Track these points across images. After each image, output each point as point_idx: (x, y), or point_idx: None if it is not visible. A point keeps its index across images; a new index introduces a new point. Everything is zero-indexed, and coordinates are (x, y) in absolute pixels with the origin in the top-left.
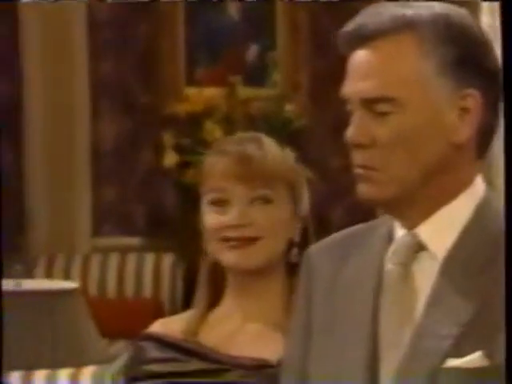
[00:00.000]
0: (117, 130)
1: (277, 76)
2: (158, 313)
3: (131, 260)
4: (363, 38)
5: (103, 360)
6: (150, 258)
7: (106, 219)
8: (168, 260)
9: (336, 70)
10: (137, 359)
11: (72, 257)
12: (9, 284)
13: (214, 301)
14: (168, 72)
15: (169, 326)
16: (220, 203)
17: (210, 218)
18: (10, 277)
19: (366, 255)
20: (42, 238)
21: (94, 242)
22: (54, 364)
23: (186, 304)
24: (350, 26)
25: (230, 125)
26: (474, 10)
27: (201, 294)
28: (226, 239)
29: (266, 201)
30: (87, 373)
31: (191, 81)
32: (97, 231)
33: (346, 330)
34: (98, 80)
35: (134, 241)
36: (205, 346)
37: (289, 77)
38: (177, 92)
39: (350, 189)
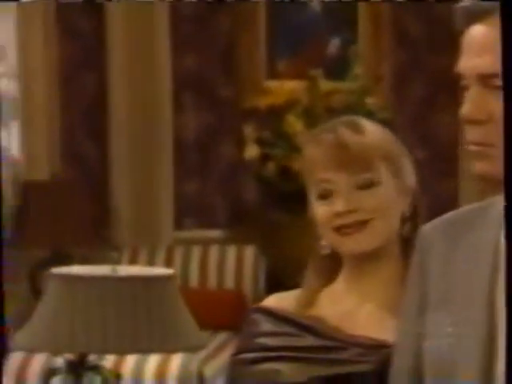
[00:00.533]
0: (199, 123)
1: (358, 69)
2: (241, 305)
3: (213, 252)
4: (480, 13)
5: (197, 346)
6: (231, 251)
7: (187, 212)
8: (250, 252)
9: (417, 62)
10: (249, 332)
11: (155, 250)
12: (105, 269)
13: (327, 280)
14: (249, 65)
15: (282, 300)
16: (326, 194)
17: (320, 210)
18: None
19: (481, 233)
20: (126, 232)
21: (176, 235)
22: (150, 349)
23: (269, 295)
24: (467, 1)
25: (310, 118)
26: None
27: (313, 274)
28: (338, 228)
29: (370, 183)
30: (175, 360)
31: (272, 74)
32: (179, 224)
33: (462, 307)
34: (181, 74)
35: (216, 233)
36: (320, 322)
37: (370, 70)
38: (258, 85)
39: (432, 181)
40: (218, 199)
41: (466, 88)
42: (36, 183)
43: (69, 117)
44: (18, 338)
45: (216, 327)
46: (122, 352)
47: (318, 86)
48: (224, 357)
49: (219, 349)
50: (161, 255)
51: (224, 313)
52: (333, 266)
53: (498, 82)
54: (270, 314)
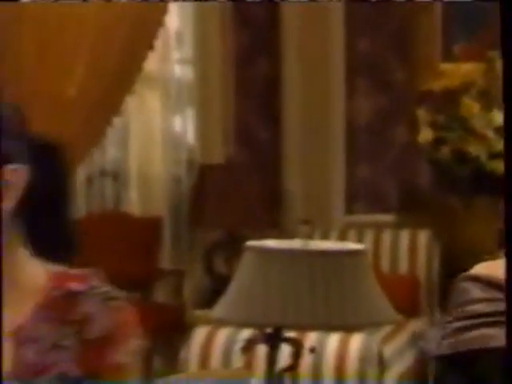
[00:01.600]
0: (372, 106)
1: None
2: (415, 289)
3: (386, 236)
4: None
5: (391, 320)
6: (405, 235)
7: (359, 196)
8: (424, 236)
9: None
10: (460, 300)
11: (327, 233)
12: (297, 243)
13: None
14: (424, 48)
15: (490, 268)
16: None
17: None
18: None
19: None
20: (297, 215)
21: (347, 219)
22: (342, 324)
23: (443, 280)
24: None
25: (487, 101)
26: None
27: None
28: None
29: None
30: (355, 339)
31: (448, 57)
32: (350, 209)
33: None
34: (354, 57)
35: (389, 218)
36: None
37: None
38: (433, 68)
39: None
40: (391, 183)
41: None
42: (211, 166)
43: (242, 101)
44: (215, 310)
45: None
46: (315, 327)
47: (495, 68)
48: (400, 339)
49: (395, 331)
50: (333, 239)
51: (398, 297)
52: None
53: None
54: (480, 280)
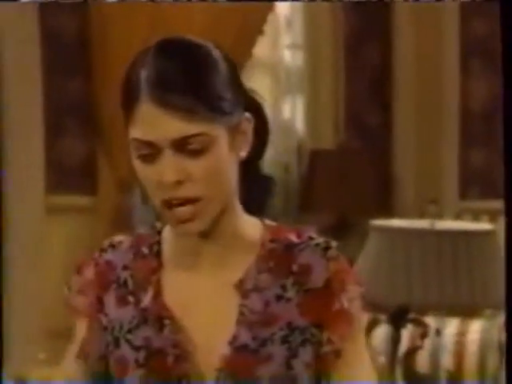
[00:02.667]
0: (487, 89)
1: None
2: None
3: (500, 224)
4: None
5: None
6: None
7: (473, 182)
8: None
9: None
10: None
11: (441, 218)
12: (424, 223)
13: None
14: None
15: None
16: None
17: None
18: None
19: None
20: (409, 201)
21: (461, 204)
22: (471, 304)
23: None
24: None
25: None
26: None
27: None
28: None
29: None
30: (475, 324)
31: None
32: (464, 194)
33: None
34: (469, 38)
35: (502, 204)
36: None
37: None
38: None
39: None
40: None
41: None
42: (322, 152)
43: (353, 86)
44: None
45: None
46: (442, 306)
47: None
48: None
49: None
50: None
51: None
52: None
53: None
54: None
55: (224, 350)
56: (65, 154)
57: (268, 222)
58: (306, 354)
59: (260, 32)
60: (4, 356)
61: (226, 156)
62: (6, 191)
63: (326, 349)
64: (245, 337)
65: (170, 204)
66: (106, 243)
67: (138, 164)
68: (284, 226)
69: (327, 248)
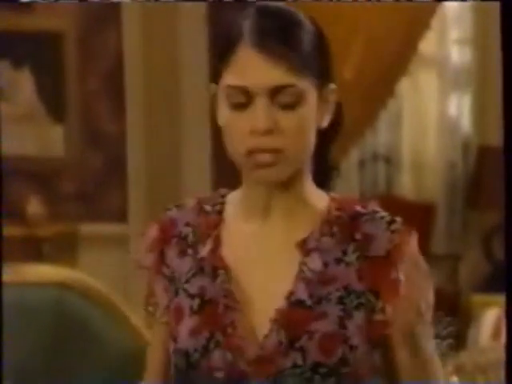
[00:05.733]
0: None
1: None
2: None
3: None
4: None
5: None
6: None
7: None
8: None
9: None
10: None
11: None
12: None
13: None
14: None
15: None
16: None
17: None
18: None
19: None
20: None
21: None
22: None
23: None
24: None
25: None
26: None
27: None
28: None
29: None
30: None
31: None
32: None
33: None
34: None
35: None
36: None
37: None
38: None
39: None
40: None
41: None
42: (489, 149)
43: None
44: None
45: None
46: None
47: None
48: None
49: None
50: None
51: None
52: None
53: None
54: None
55: (280, 303)
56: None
57: (333, 194)
58: (359, 318)
59: (427, 26)
60: None
61: (312, 115)
62: None
63: (378, 317)
64: (302, 293)
65: (254, 151)
66: (172, 205)
67: (227, 112)
68: (349, 197)
69: (392, 221)
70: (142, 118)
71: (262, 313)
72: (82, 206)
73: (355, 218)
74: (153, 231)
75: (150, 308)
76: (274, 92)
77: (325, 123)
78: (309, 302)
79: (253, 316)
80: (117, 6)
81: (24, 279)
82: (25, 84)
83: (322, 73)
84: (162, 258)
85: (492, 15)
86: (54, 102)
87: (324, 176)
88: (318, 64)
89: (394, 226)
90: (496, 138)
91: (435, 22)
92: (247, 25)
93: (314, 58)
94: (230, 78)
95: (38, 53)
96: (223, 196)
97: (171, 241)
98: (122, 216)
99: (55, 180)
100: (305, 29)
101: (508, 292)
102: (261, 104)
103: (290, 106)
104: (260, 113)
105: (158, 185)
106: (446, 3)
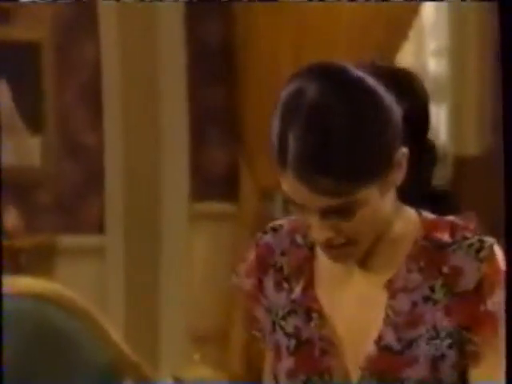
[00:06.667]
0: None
1: None
2: None
3: None
4: None
5: None
6: None
7: None
8: None
9: None
10: None
11: None
12: None
13: None
14: None
15: None
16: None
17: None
18: None
19: None
20: None
21: None
22: None
23: None
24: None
25: None
26: None
27: None
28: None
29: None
30: None
31: None
32: None
33: None
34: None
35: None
36: None
37: None
38: None
39: None
40: None
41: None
42: (466, 159)
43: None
44: None
45: None
46: None
47: None
48: None
49: None
50: None
51: None
52: None
53: None
54: None
55: (370, 349)
56: (208, 162)
57: (425, 213)
58: (452, 356)
59: (405, 37)
60: (161, 356)
61: (377, 206)
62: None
63: (468, 348)
64: (390, 337)
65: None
66: (269, 225)
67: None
68: (440, 219)
69: (480, 249)
70: (119, 129)
71: (353, 358)
72: (60, 218)
73: (442, 248)
74: (251, 256)
75: (257, 333)
76: (328, 210)
77: (399, 182)
78: (398, 347)
79: (347, 362)
80: (94, 16)
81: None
82: (1, 95)
83: (388, 162)
84: (260, 286)
85: (469, 26)
86: (31, 113)
87: (428, 200)
88: (383, 159)
89: (482, 254)
90: (473, 148)
91: (412, 33)
92: (291, 147)
93: (375, 156)
94: (284, 186)
95: (14, 63)
96: None
97: (268, 270)
98: (99, 228)
99: (32, 191)
100: (383, 126)
101: (508, 292)
102: (315, 219)
103: (347, 215)
104: (316, 226)
105: (135, 196)
106: (423, 14)
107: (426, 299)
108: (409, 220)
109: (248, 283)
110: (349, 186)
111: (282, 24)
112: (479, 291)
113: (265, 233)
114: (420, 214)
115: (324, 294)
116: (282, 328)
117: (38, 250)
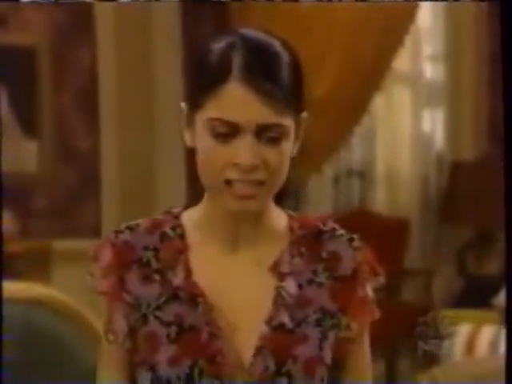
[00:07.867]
0: None
1: None
2: None
3: None
4: None
5: None
6: None
7: None
8: None
9: None
10: None
11: None
12: None
13: None
14: None
15: None
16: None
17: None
18: None
19: None
20: None
21: None
22: None
23: None
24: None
25: None
26: None
27: None
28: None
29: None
30: None
31: None
32: None
33: None
34: None
35: None
36: None
37: None
38: None
39: None
40: None
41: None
42: (462, 164)
43: (496, 98)
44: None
45: None
46: None
47: None
48: None
49: None
50: None
51: None
52: None
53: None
54: None
55: (262, 328)
56: None
57: (290, 212)
58: (332, 338)
59: (401, 43)
60: None
61: (291, 148)
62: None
63: (343, 334)
64: (282, 317)
65: (234, 181)
66: (122, 226)
67: (207, 141)
68: (306, 214)
69: (351, 239)
70: (115, 133)
71: (244, 339)
72: (56, 222)
73: (318, 235)
74: (107, 255)
75: (110, 336)
76: (262, 129)
77: (295, 151)
78: (290, 326)
79: (236, 343)
80: (90, 21)
81: None
82: None
83: (299, 104)
84: (121, 284)
85: (465, 32)
86: (27, 118)
87: (291, 198)
88: (296, 96)
89: (355, 244)
90: (469, 153)
91: (408, 39)
92: (236, 60)
93: (293, 91)
94: (215, 111)
95: (11, 68)
96: (177, 217)
97: (131, 266)
98: (95, 232)
99: (28, 196)
100: (284, 61)
101: (508, 292)
102: (248, 140)
103: (275, 142)
104: (247, 149)
105: (131, 200)
106: (419, 19)
107: (310, 282)
108: (280, 214)
109: (105, 284)
110: (285, 103)
111: (278, 25)
112: (355, 278)
113: (120, 232)
114: (286, 211)
115: (205, 281)
116: (156, 318)
117: (33, 255)
